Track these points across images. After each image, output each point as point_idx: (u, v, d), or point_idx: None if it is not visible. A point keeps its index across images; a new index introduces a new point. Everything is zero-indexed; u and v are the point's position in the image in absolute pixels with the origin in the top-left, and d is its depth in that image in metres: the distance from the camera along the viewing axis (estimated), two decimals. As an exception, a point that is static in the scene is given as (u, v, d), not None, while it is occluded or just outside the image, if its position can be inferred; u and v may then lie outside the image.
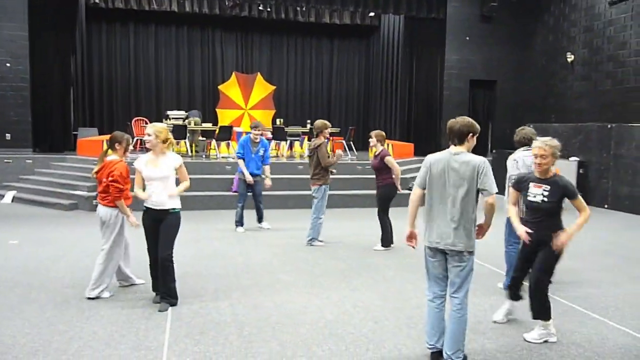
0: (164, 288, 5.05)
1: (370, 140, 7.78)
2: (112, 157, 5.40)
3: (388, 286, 5.88)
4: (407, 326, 4.73)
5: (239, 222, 8.79)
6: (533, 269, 4.40)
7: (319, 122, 8.02)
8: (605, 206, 12.03)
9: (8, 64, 13.12)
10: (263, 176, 8.79)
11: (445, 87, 16.12)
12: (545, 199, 4.27)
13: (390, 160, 7.50)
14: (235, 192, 11.25)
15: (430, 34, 16.20)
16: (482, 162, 3.82)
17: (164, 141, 4.97)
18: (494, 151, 15.22)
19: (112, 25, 17.38)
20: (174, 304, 5.06)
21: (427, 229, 3.96)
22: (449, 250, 3.85)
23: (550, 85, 15.11)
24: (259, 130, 8.75)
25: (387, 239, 7.65)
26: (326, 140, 8.07)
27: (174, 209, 5.02)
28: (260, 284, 5.87)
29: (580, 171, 12.53)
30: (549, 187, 4.28)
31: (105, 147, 5.59)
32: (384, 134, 7.80)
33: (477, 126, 3.96)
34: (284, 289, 5.74)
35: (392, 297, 5.50)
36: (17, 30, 13.08)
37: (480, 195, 3.85)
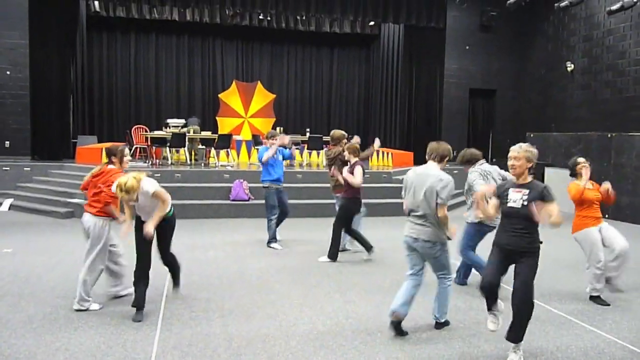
0: (176, 275, 5.50)
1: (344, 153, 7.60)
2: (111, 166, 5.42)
3: (383, 297, 5.79)
4: (400, 338, 4.65)
5: (274, 239, 8.21)
6: (515, 288, 4.22)
7: (337, 132, 8.02)
8: (606, 216, 11.90)
9: (8, 72, 13.15)
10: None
11: (444, 95, 16.11)
12: (525, 203, 4.18)
13: (357, 171, 7.23)
14: (233, 200, 11.23)
15: (429, 43, 16.22)
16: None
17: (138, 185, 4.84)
18: (494, 160, 15.16)
19: (113, 34, 17.43)
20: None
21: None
22: None
23: (549, 94, 15.08)
24: (275, 139, 8.12)
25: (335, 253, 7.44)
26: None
27: (168, 213, 5.09)
28: (254, 295, 5.81)
29: (581, 181, 12.44)
30: (528, 191, 4.21)
31: (105, 159, 5.56)
32: (356, 146, 7.51)
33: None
34: (277, 299, 5.67)
35: (387, 309, 5.39)
36: (18, 39, 13.12)
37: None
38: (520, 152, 4.25)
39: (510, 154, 4.32)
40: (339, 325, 4.94)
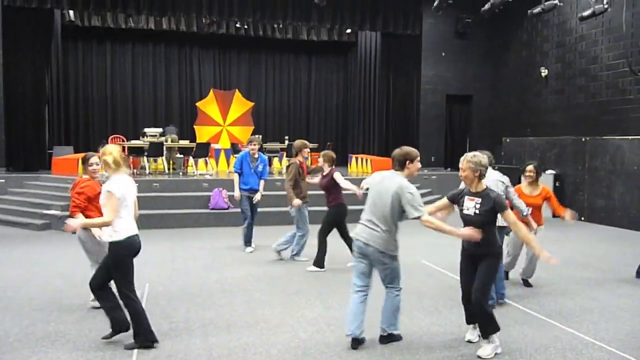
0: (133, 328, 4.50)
1: (319, 159, 7.63)
2: (84, 176, 5.42)
3: (363, 303, 5.81)
4: (381, 344, 4.66)
5: (248, 243, 8.59)
6: (473, 289, 4.43)
7: (297, 142, 8.02)
8: (582, 219, 12.14)
9: (-20, 83, 12.93)
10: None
11: (421, 102, 16.26)
12: (477, 211, 4.39)
13: (338, 177, 7.26)
14: (213, 209, 11.17)
15: (406, 50, 16.36)
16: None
17: (111, 164, 4.39)
18: (471, 165, 15.29)
19: (89, 43, 17.27)
20: (148, 346, 4.46)
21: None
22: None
23: (524, 99, 15.30)
24: (254, 144, 8.50)
25: (321, 260, 7.39)
26: (305, 159, 8.05)
27: (113, 240, 4.38)
28: (234, 303, 5.77)
29: (557, 184, 12.66)
30: (480, 199, 4.40)
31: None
32: (332, 155, 7.51)
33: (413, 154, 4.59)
34: (258, 307, 5.65)
35: (367, 315, 5.41)
36: (-9, 49, 12.93)
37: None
38: (464, 163, 4.46)
39: (460, 165, 4.56)
40: (320, 332, 4.93)
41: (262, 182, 8.58)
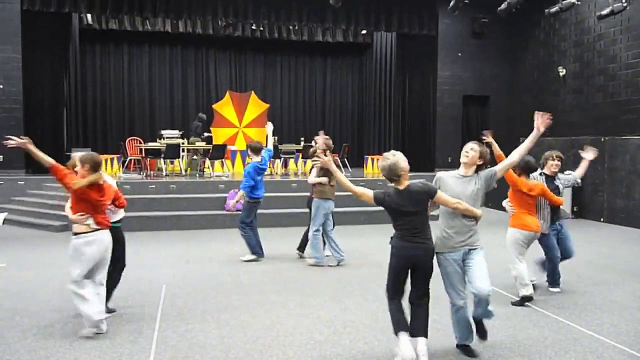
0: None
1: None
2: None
3: (379, 305, 5.76)
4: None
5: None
6: None
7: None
8: (601, 220, 11.97)
9: (1, 86, 13.12)
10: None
11: (438, 103, 16.16)
12: None
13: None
14: (229, 211, 11.20)
15: (422, 51, 16.29)
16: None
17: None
18: (488, 166, 15.19)
19: (106, 46, 17.45)
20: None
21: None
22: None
23: (542, 99, 15.14)
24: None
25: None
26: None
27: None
28: (250, 305, 5.78)
29: (576, 185, 12.46)
30: None
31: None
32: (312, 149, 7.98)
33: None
34: (273, 309, 5.64)
35: (383, 317, 5.37)
36: (10, 53, 13.11)
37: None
38: None
39: None
40: (336, 334, 4.91)
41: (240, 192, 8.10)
